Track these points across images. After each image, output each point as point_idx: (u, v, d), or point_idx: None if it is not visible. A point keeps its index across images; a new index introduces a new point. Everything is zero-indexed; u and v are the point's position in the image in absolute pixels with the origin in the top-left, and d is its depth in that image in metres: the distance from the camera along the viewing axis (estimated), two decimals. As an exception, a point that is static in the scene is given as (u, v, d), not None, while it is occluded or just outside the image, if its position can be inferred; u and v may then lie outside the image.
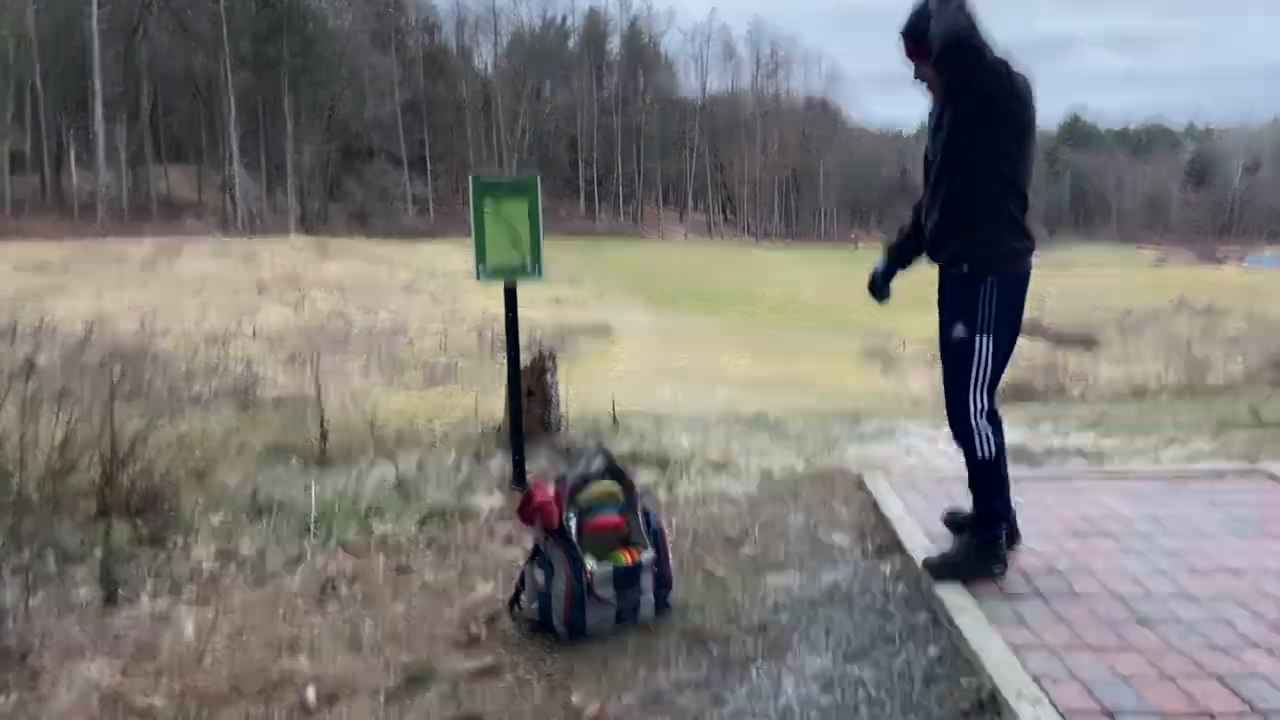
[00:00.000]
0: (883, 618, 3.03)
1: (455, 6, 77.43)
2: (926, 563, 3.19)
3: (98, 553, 3.84)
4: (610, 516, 3.26)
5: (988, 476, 3.16)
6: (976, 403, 3.05)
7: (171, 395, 10.83)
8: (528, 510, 3.14)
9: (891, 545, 3.60)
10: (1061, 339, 26.87)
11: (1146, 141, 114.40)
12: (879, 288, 3.54)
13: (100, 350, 13.37)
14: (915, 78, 3.06)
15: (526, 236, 4.29)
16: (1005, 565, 3.15)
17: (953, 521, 3.55)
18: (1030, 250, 3.09)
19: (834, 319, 34.13)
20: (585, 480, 3.28)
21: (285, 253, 36.69)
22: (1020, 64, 2.96)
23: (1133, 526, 3.62)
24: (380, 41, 66.49)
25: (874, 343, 26.06)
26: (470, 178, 4.24)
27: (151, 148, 57.45)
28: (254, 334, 19.50)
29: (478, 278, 4.28)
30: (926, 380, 17.59)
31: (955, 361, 3.08)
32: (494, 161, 71.29)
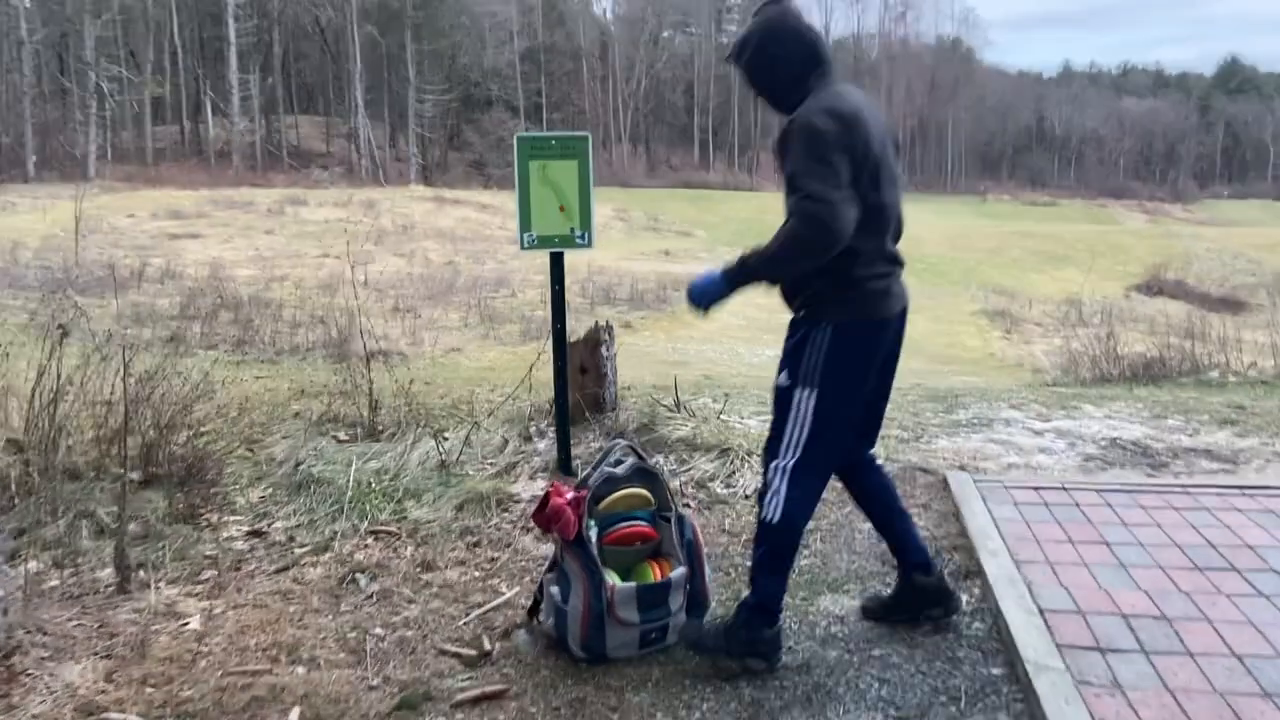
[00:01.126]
0: (950, 665, 2.59)
1: (576, -48, 76.41)
2: (682, 633, 2.70)
3: (133, 528, 3.74)
4: (638, 525, 2.91)
5: (765, 544, 2.59)
6: (784, 456, 2.53)
7: (273, 344, 10.99)
8: (543, 515, 2.80)
9: (971, 569, 3.12)
10: (1206, 301, 25.00)
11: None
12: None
13: (213, 297, 13.74)
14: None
15: (576, 202, 3.92)
16: (769, 663, 2.60)
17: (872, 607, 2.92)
18: (881, 294, 2.55)
19: (957, 275, 32.67)
20: (611, 483, 2.93)
21: (404, 201, 37.31)
22: (854, 94, 2.54)
23: (1265, 560, 3.05)
24: (501, -12, 66.54)
25: (997, 302, 24.76)
26: (515, 136, 3.88)
27: (284, 98, 59.31)
28: (365, 282, 19.80)
29: (522, 247, 3.94)
30: (1050, 344, 16.55)
31: (775, 408, 2.60)
32: (609, 110, 70.77)
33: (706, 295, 2.56)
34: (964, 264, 34.69)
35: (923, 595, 2.78)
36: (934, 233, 42.66)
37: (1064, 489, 3.77)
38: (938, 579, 2.79)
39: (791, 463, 2.52)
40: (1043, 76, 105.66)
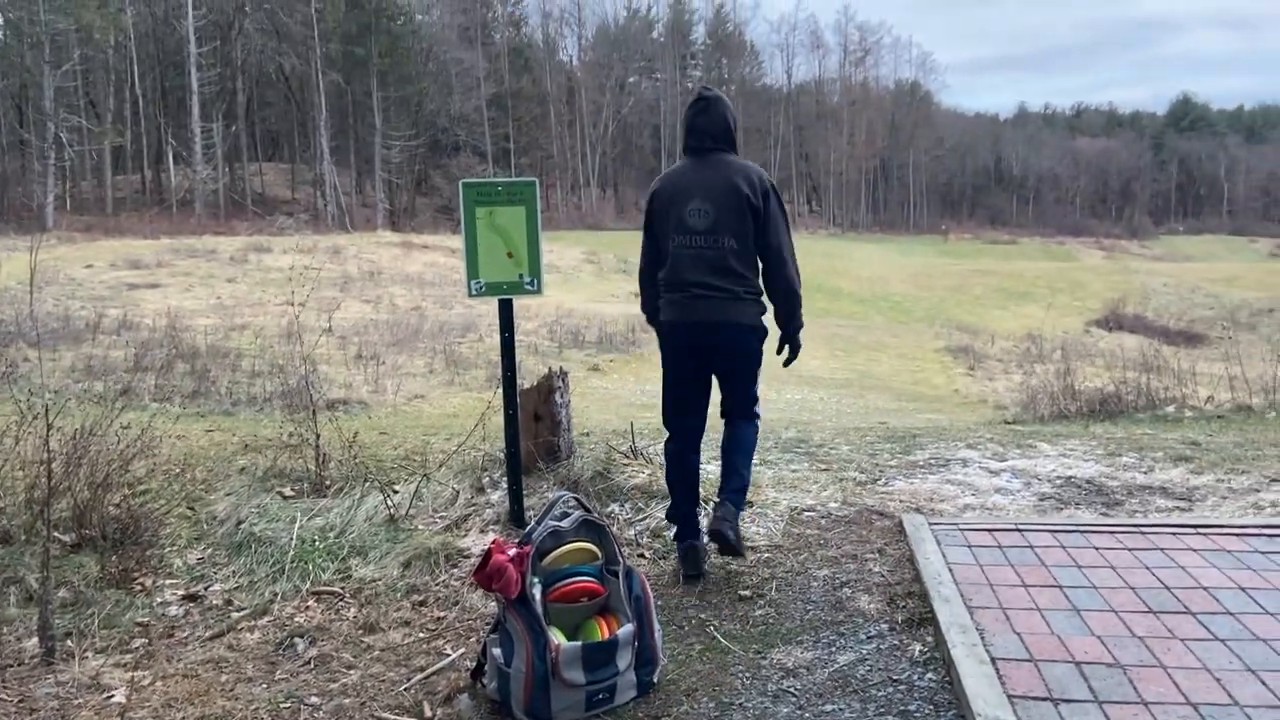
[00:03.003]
0: None
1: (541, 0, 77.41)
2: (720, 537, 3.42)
3: (62, 594, 3.60)
4: (584, 581, 2.82)
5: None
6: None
7: (229, 395, 10.81)
8: (485, 574, 2.71)
9: (925, 617, 3.06)
10: (1165, 334, 25.37)
11: (1262, 124, 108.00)
12: None
13: (169, 347, 13.53)
14: None
15: (524, 248, 3.87)
16: (685, 572, 3.51)
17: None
18: (671, 306, 3.51)
19: (921, 313, 32.99)
20: (556, 536, 2.85)
21: (370, 247, 37.14)
22: (676, 170, 3.62)
23: (1219, 602, 3.01)
24: (467, 36, 67.00)
25: (961, 339, 25.01)
26: (460, 183, 3.83)
27: (247, 145, 59.11)
28: (329, 329, 19.61)
29: (469, 294, 3.88)
30: (1012, 381, 16.68)
31: None
32: (577, 154, 71.28)
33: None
34: (928, 302, 35.11)
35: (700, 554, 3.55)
36: (898, 271, 43.22)
37: (1018, 530, 3.73)
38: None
39: (668, 427, 3.72)
40: (999, 118, 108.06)
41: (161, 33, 53.25)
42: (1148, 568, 3.32)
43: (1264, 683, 2.48)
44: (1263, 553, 3.42)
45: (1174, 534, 3.66)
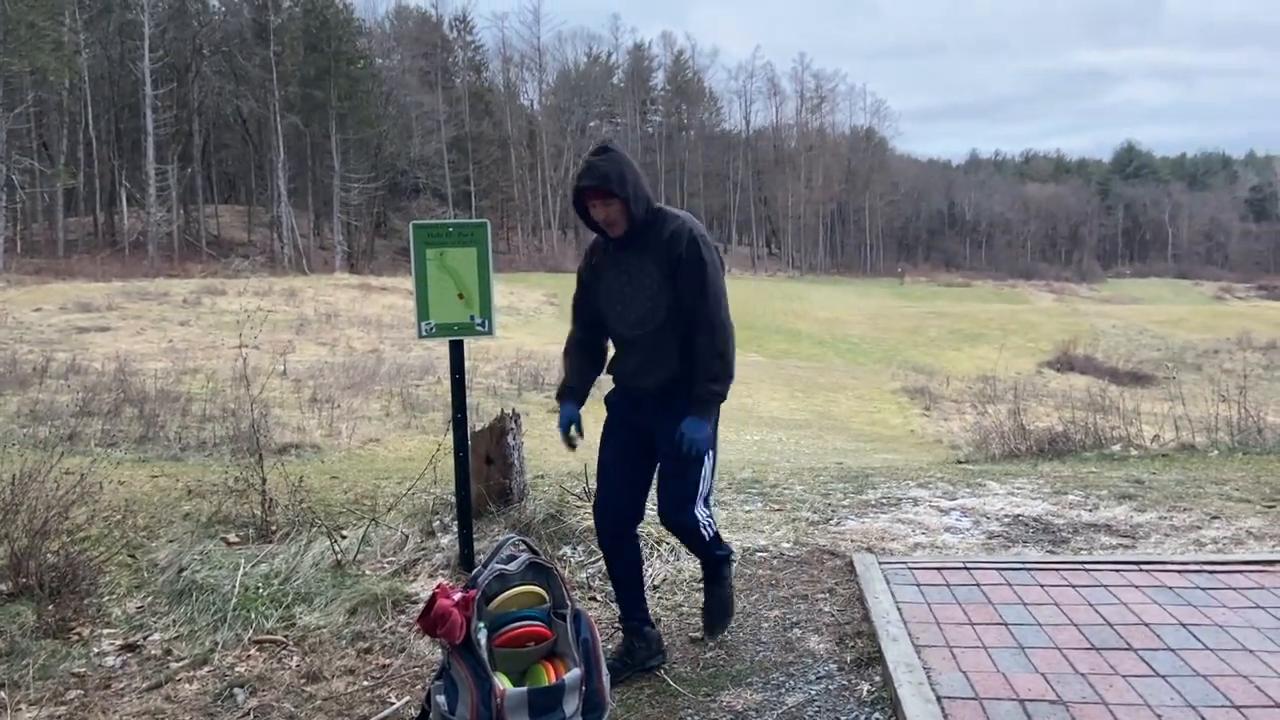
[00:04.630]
0: (846, 760, 2.51)
1: (501, 45, 78.10)
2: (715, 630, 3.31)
3: (-4, 644, 3.48)
4: (531, 625, 2.79)
5: (726, 550, 3.37)
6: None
7: (178, 440, 10.61)
8: (429, 619, 2.67)
9: (873, 656, 3.07)
10: (1114, 375, 25.91)
11: (1204, 171, 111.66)
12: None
13: (118, 391, 13.28)
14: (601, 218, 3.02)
15: (475, 289, 3.87)
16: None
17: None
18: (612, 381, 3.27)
19: (879, 354, 33.40)
20: (502, 580, 2.82)
21: (328, 289, 36.90)
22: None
23: (1160, 638, 3.06)
24: (427, 80, 67.40)
25: (917, 380, 25.31)
26: (410, 224, 3.84)
27: (203, 187, 58.64)
28: (284, 372, 19.38)
29: (420, 335, 3.87)
30: (965, 421, 16.89)
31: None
32: (538, 196, 71.67)
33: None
34: (885, 343, 35.56)
35: (649, 646, 3.19)
36: (856, 313, 43.78)
37: (966, 568, 3.76)
38: (658, 632, 3.28)
39: (709, 514, 3.19)
40: (951, 164, 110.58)
41: (117, 75, 52.91)
42: (1091, 605, 3.36)
43: (1204, 718, 2.52)
44: (1203, 589, 3.48)
45: (1117, 571, 3.71)
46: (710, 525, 3.15)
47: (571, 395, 3.23)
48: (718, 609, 3.27)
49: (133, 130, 52.98)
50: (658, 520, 3.21)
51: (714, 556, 3.24)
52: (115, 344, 21.82)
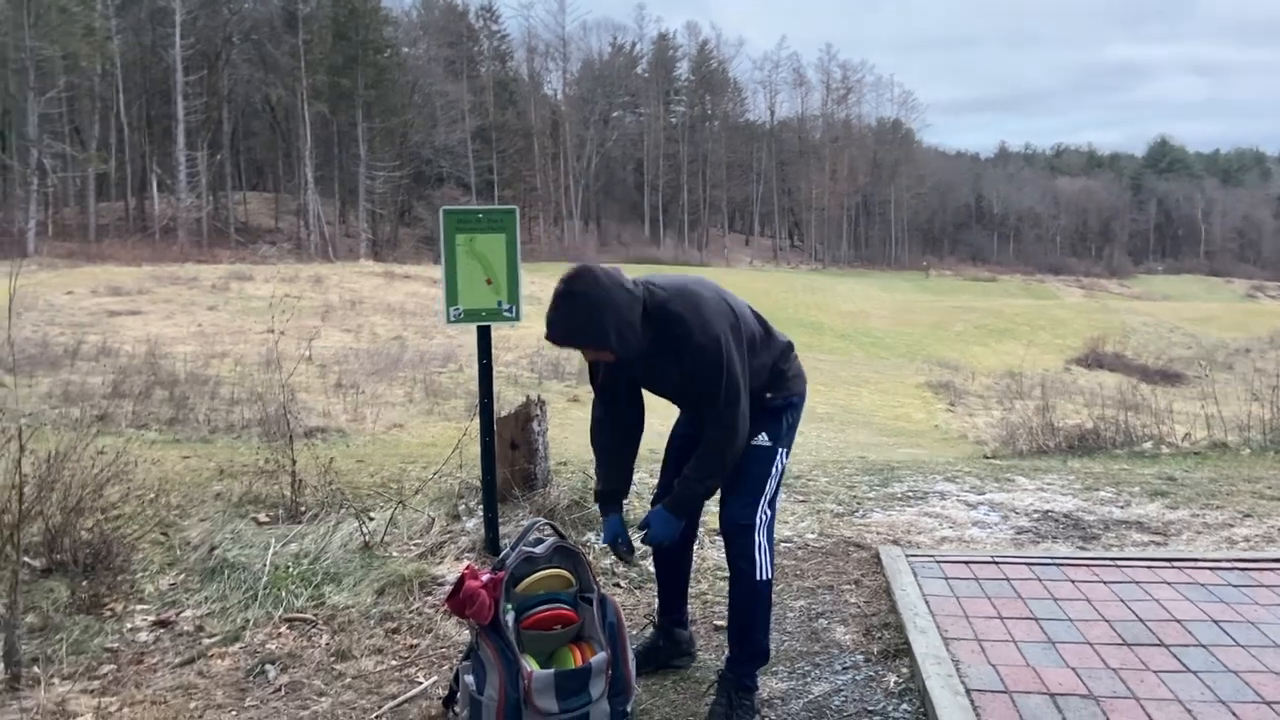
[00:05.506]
0: (874, 749, 2.51)
1: (526, 34, 78.08)
2: None
3: (30, 619, 3.54)
4: (558, 608, 2.80)
5: (762, 602, 2.76)
6: (763, 511, 2.76)
7: (207, 422, 10.73)
8: (458, 600, 2.69)
9: (900, 648, 3.06)
10: (1144, 373, 25.62)
11: (1237, 168, 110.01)
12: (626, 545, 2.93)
13: (148, 374, 13.44)
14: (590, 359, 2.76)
15: (504, 275, 3.88)
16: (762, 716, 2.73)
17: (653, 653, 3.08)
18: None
19: (903, 349, 33.20)
20: (530, 563, 2.83)
21: (352, 277, 37.11)
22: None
23: (1193, 634, 3.03)
24: (453, 70, 67.55)
25: (941, 375, 25.15)
26: (441, 210, 3.85)
27: (232, 174, 59.16)
28: (309, 358, 19.50)
29: (447, 321, 3.88)
30: (991, 417, 16.77)
31: (751, 468, 2.75)
32: (560, 187, 71.72)
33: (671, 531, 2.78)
34: (909, 338, 35.33)
35: (676, 646, 3.06)
36: (880, 307, 43.52)
37: (995, 563, 3.74)
38: (690, 634, 3.12)
39: (770, 518, 2.73)
40: (980, 157, 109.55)
41: (148, 61, 53.38)
42: (1122, 600, 3.33)
43: (1235, 714, 2.49)
44: (1235, 586, 3.44)
45: (1149, 567, 3.68)
46: (766, 530, 2.72)
47: (611, 500, 2.88)
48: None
49: (163, 116, 53.49)
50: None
51: (753, 581, 2.70)
52: (145, 327, 22.05)
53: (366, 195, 58.92)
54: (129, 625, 3.55)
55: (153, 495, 4.88)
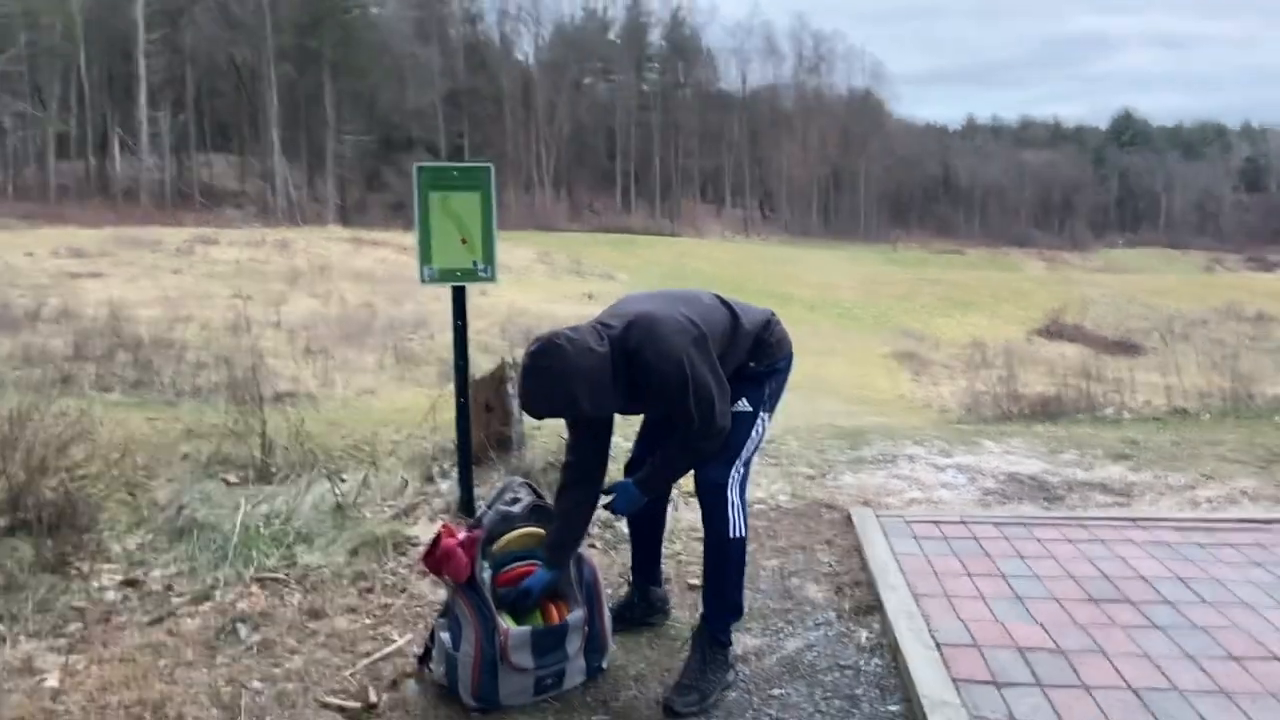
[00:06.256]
0: (848, 704, 2.55)
1: (498, -3, 76.85)
2: (667, 707, 2.59)
3: (-9, 578, 3.48)
4: (534, 565, 2.80)
5: (734, 560, 2.74)
6: (738, 471, 2.74)
7: (172, 386, 10.59)
8: (434, 558, 2.68)
9: (871, 605, 3.10)
10: (1103, 344, 26.00)
11: (1199, 141, 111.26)
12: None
13: (111, 337, 13.22)
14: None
15: (479, 234, 3.84)
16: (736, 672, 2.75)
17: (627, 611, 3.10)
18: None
19: (870, 319, 33.39)
20: (506, 521, 2.83)
21: (320, 242, 36.59)
22: None
23: (1158, 591, 3.09)
24: (422, 32, 66.37)
25: (907, 345, 25.36)
26: (415, 166, 3.79)
27: (195, 136, 57.94)
28: (277, 323, 19.30)
29: (422, 280, 3.83)
30: (956, 386, 16.96)
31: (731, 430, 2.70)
32: (531, 153, 71.01)
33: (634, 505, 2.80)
34: (876, 308, 35.52)
35: (650, 604, 3.11)
36: (848, 279, 43.67)
37: (963, 523, 3.79)
38: (664, 592, 3.17)
39: (743, 476, 2.72)
40: (948, 129, 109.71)
41: (110, 19, 51.93)
42: (1089, 559, 3.39)
43: (1203, 669, 2.55)
44: (1201, 545, 3.52)
45: (1114, 527, 3.75)
46: (739, 489, 2.71)
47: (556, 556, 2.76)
48: (691, 675, 2.66)
49: (125, 76, 52.17)
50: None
51: (725, 539, 2.68)
52: (108, 290, 21.62)
53: (334, 159, 58.04)
54: (96, 584, 3.50)
55: (118, 455, 4.79)
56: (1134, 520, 3.83)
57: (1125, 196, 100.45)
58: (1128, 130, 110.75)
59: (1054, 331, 28.94)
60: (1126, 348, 25.01)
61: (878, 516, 3.86)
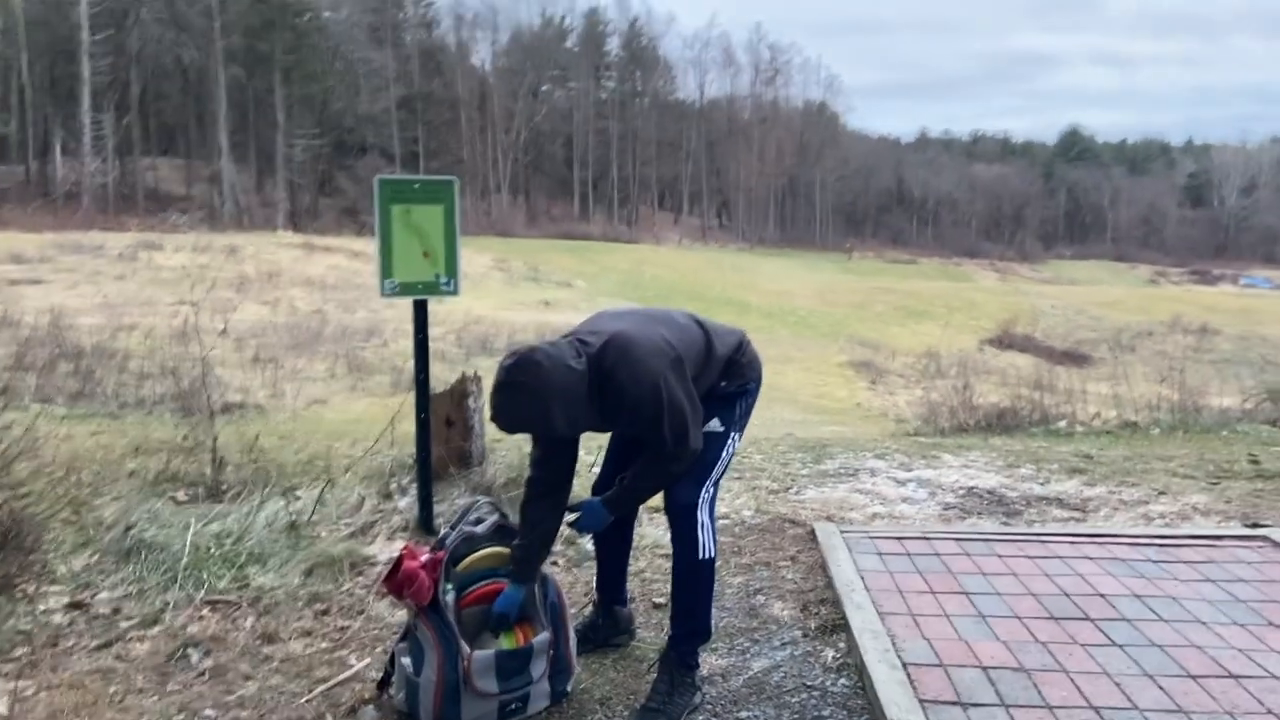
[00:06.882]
0: (814, 725, 2.53)
1: (454, 2, 76.42)
2: None
3: (-71, 602, 3.35)
4: (498, 583, 2.75)
5: (704, 580, 2.71)
6: (707, 491, 2.71)
7: (115, 397, 10.33)
8: (395, 581, 2.62)
9: (837, 623, 3.09)
10: (1052, 354, 26.53)
11: (1144, 157, 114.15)
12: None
13: (52, 346, 12.86)
14: None
15: (442, 248, 3.79)
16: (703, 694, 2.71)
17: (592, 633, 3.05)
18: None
19: (826, 328, 33.72)
20: (470, 542, 2.77)
21: (270, 248, 36.05)
22: None
23: (1116, 608, 3.13)
24: (376, 36, 65.79)
25: (863, 354, 25.64)
26: (376, 179, 3.73)
27: (140, 138, 56.76)
28: (224, 331, 18.92)
29: (382, 294, 3.77)
30: (912, 395, 17.17)
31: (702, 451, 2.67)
32: (488, 160, 70.68)
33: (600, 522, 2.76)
34: (832, 317, 35.91)
35: (616, 624, 3.06)
36: (804, 287, 44.07)
37: (925, 538, 3.81)
38: (630, 612, 3.13)
39: (712, 496, 2.69)
40: (901, 142, 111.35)
41: (53, 19, 50.74)
42: (1048, 575, 3.43)
43: (1161, 688, 2.58)
44: (1155, 562, 3.57)
45: (1072, 543, 3.79)
46: (708, 509, 2.67)
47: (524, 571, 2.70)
48: (659, 699, 2.62)
49: (68, 77, 50.98)
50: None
51: (695, 560, 2.64)
52: (48, 297, 21.07)
53: (285, 164, 57.20)
54: (42, 607, 3.38)
55: (63, 473, 4.65)
56: (1090, 536, 3.88)
57: (1073, 210, 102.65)
58: (1075, 145, 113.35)
59: (1005, 342, 29.47)
60: (1076, 358, 25.54)
61: (841, 532, 3.87)
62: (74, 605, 3.42)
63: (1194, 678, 2.63)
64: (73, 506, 4.24)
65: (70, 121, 49.11)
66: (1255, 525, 4.10)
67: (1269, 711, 2.45)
